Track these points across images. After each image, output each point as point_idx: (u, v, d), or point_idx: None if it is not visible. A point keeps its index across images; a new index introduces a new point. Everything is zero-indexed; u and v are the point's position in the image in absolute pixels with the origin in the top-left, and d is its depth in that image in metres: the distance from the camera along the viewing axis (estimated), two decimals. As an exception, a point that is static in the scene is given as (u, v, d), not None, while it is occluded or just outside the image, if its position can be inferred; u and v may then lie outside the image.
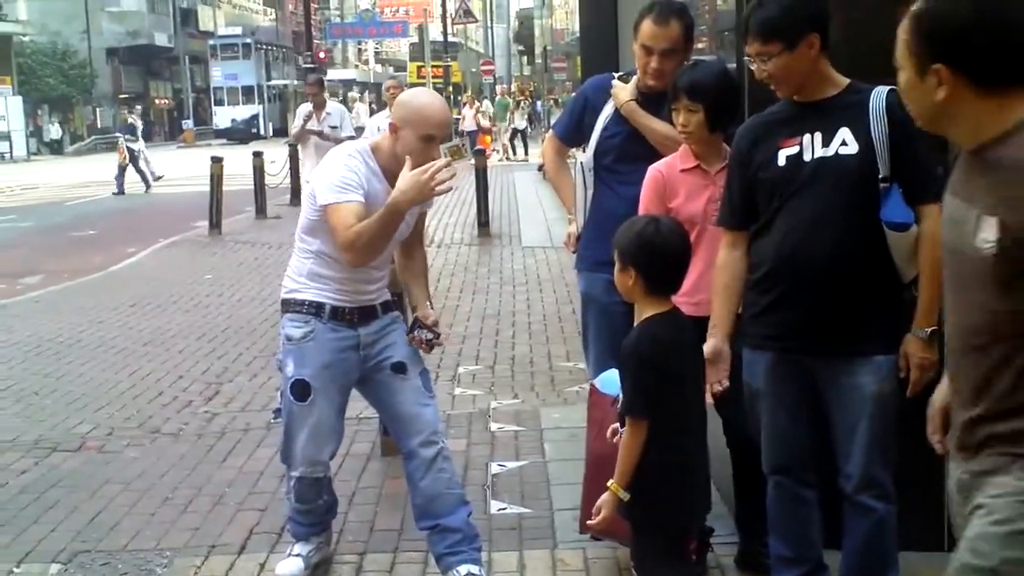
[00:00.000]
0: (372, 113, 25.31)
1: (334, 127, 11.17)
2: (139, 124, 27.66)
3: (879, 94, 3.20)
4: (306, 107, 11.45)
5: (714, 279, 3.49)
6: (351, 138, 10.43)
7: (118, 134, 26.84)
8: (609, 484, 3.11)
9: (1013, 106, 2.09)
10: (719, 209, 3.58)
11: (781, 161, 3.28)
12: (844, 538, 3.41)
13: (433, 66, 39.35)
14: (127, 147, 24.24)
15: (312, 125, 11.11)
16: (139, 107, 35.28)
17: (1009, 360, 2.08)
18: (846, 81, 3.30)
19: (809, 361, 3.30)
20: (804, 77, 3.25)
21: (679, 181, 3.87)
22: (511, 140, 31.86)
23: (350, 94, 31.32)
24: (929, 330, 3.18)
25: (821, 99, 3.28)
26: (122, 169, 24.13)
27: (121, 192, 23.76)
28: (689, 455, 3.12)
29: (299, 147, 11.37)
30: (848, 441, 3.29)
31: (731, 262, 3.43)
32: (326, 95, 12.01)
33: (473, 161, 16.08)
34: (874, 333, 3.25)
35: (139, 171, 24.18)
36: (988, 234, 2.05)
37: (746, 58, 3.35)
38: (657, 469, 3.06)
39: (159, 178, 25.76)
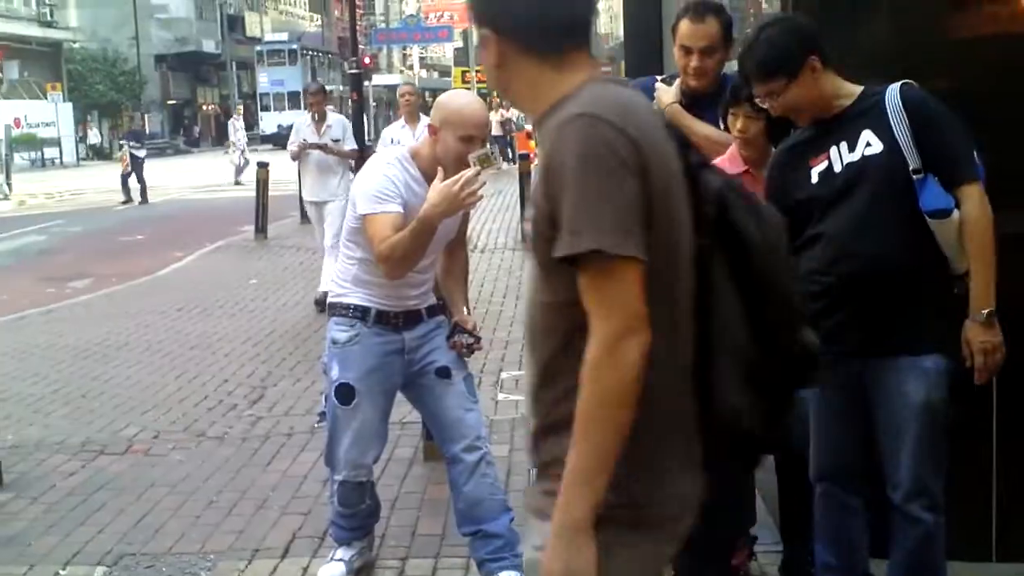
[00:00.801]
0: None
1: (336, 140, 10.02)
2: (241, 128, 28.13)
3: (892, 90, 3.18)
4: (303, 120, 10.29)
5: None
6: (354, 151, 10.22)
7: (123, 141, 26.31)
8: None
9: (570, 73, 1.94)
10: None
11: (815, 179, 3.27)
12: (891, 548, 3.35)
13: (478, 71, 39.42)
14: (131, 154, 23.52)
15: (312, 139, 9.99)
16: (240, 108, 35.03)
17: (553, 363, 1.92)
18: (859, 88, 3.26)
19: (857, 365, 3.26)
20: (818, 99, 3.23)
21: (726, 186, 3.83)
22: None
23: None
24: (986, 312, 3.13)
25: (839, 112, 3.25)
26: (124, 177, 23.54)
27: (129, 200, 23.27)
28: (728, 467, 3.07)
29: (298, 163, 10.20)
30: (897, 448, 3.23)
31: None
32: (328, 105, 10.76)
33: (517, 166, 16.04)
34: (921, 330, 3.19)
35: (140, 180, 23.38)
36: (529, 214, 1.93)
37: (756, 99, 3.33)
38: None
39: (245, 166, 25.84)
